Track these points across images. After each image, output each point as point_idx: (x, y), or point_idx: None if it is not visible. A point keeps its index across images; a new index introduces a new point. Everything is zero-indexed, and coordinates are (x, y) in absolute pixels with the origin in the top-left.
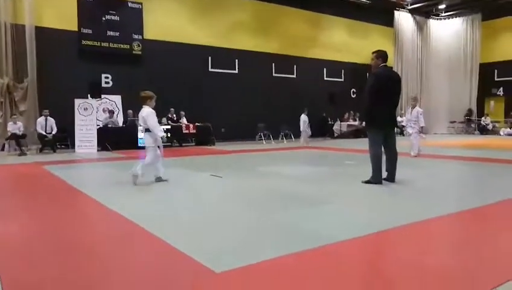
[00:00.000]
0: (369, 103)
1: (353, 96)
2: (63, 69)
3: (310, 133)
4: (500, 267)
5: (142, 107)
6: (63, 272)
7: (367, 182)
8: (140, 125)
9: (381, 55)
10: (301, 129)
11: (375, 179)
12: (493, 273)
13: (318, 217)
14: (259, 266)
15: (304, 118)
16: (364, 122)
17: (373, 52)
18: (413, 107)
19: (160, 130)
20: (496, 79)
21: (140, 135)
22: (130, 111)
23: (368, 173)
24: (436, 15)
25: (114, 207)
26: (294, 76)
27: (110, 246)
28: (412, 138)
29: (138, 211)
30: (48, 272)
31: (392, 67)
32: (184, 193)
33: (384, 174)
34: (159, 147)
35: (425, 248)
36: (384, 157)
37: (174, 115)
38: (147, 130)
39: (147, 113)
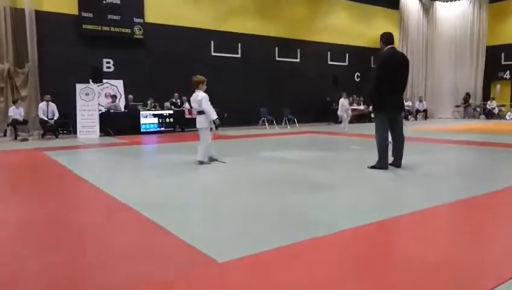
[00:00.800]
0: (375, 85)
1: (357, 80)
2: (64, 53)
3: (348, 118)
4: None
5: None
6: (61, 260)
7: (373, 167)
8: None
9: (384, 37)
10: (339, 114)
11: (381, 164)
12: (500, 267)
13: (325, 204)
14: (265, 255)
15: (343, 102)
16: (371, 107)
17: (380, 36)
18: None
19: (213, 113)
20: (502, 62)
21: (193, 116)
22: (131, 96)
23: (374, 158)
24: None
25: (116, 194)
26: (298, 60)
27: (110, 232)
28: None
29: (140, 197)
30: (46, 259)
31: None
32: (188, 179)
33: (391, 159)
34: (211, 129)
35: (430, 238)
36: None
37: (178, 100)
38: (200, 112)
39: (202, 97)
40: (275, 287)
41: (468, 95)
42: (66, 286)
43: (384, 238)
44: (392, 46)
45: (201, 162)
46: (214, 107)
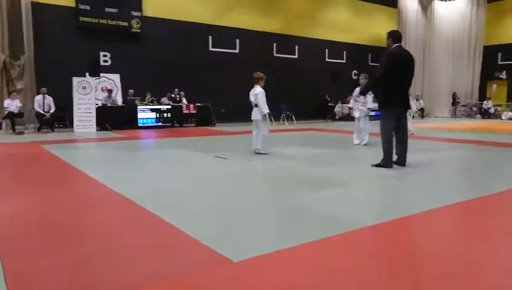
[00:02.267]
0: (377, 80)
1: (355, 77)
2: (61, 46)
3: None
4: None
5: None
6: (61, 256)
7: (377, 165)
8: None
9: (392, 35)
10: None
11: (386, 163)
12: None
13: (331, 203)
14: (277, 255)
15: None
16: (378, 104)
17: (387, 34)
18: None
19: (266, 108)
20: (499, 62)
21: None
22: (131, 90)
23: (375, 156)
24: None
25: (118, 188)
26: (296, 56)
27: (115, 228)
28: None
29: (142, 192)
30: (47, 258)
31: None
32: (191, 176)
33: (395, 157)
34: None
35: (434, 239)
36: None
37: (178, 96)
38: (256, 105)
39: (258, 92)
40: (290, 287)
41: (455, 94)
42: (74, 282)
43: (391, 238)
44: (399, 44)
45: (258, 151)
46: (210, 103)
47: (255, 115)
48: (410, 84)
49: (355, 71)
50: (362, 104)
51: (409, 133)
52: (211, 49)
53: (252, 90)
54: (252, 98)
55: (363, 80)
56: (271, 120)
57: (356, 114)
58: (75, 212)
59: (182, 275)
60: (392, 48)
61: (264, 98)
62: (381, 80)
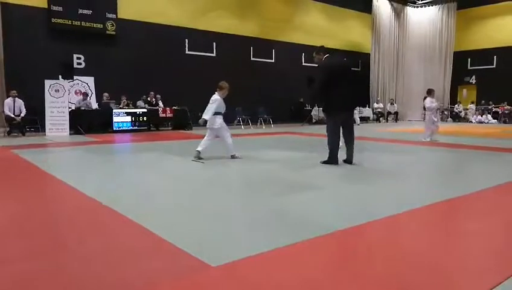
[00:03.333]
0: (317, 91)
1: None
2: (33, 48)
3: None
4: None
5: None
6: (35, 263)
7: (325, 162)
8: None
9: (319, 49)
10: (426, 119)
11: (332, 161)
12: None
13: (307, 203)
14: (257, 258)
15: (430, 102)
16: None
17: (314, 53)
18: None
19: (207, 114)
20: (469, 67)
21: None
22: (106, 94)
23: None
24: (413, 2)
25: (89, 192)
26: (273, 60)
27: (89, 233)
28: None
29: (117, 197)
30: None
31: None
32: (167, 180)
33: (344, 156)
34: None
35: (410, 238)
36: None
37: (154, 99)
38: (215, 113)
39: (215, 99)
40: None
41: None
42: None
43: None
44: (328, 55)
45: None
46: (187, 106)
47: (211, 122)
48: (351, 87)
49: None
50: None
51: (427, 139)
52: (187, 52)
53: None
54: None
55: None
56: (248, 124)
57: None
58: (43, 217)
59: (163, 281)
60: (324, 59)
61: (215, 105)
62: (321, 92)
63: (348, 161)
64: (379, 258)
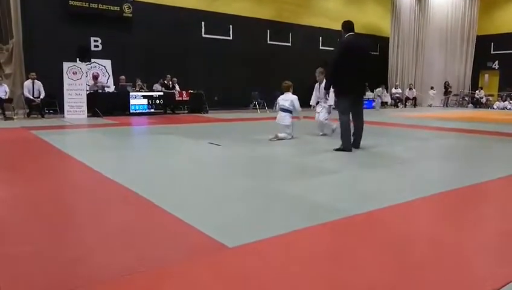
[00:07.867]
0: (332, 70)
1: None
2: (50, 30)
3: None
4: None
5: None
6: (52, 243)
7: (338, 149)
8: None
9: (344, 26)
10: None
11: (345, 147)
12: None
13: (323, 188)
14: (273, 240)
15: None
16: (327, 93)
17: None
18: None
19: (300, 109)
20: (492, 52)
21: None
22: (123, 77)
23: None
24: None
25: (109, 174)
26: (289, 44)
27: (106, 214)
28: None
29: (135, 178)
30: (35, 244)
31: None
32: (185, 161)
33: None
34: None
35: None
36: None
37: (170, 82)
38: (284, 110)
39: (294, 98)
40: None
41: (447, 83)
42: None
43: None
44: (352, 33)
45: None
46: (203, 90)
47: (283, 119)
48: (365, 72)
49: None
50: (324, 101)
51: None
52: (203, 35)
53: (284, 96)
54: (285, 103)
55: (319, 76)
56: (264, 107)
57: (318, 109)
58: (64, 199)
59: (180, 261)
60: (345, 37)
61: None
62: (336, 66)
63: (355, 145)
64: (395, 243)
